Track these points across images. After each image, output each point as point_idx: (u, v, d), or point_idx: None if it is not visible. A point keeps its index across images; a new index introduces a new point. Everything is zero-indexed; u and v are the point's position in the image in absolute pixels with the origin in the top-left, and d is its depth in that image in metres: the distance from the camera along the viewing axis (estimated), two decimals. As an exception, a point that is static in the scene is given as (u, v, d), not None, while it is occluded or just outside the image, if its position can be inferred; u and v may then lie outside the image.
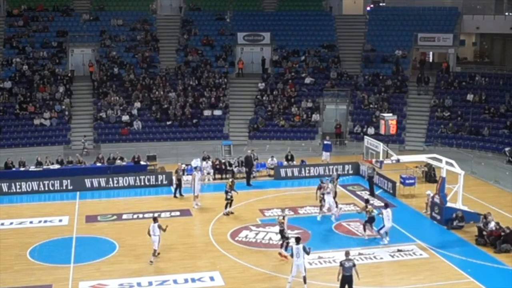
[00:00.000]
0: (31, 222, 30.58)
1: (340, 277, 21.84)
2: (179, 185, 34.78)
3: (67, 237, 28.51)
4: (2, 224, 30.41)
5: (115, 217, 31.59)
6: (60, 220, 30.82)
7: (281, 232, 26.45)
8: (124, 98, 49.63)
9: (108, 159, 39.12)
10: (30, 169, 37.49)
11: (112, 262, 25.77)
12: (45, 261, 25.87)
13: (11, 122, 47.10)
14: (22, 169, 37.56)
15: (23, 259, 26.21)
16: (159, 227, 25.53)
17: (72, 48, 53.70)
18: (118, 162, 38.80)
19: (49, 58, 52.57)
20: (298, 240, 23.17)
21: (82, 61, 53.44)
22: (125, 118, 47.93)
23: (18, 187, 35.63)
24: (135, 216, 31.65)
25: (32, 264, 25.77)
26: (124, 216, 31.57)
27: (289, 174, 38.53)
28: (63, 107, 48.54)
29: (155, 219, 26.04)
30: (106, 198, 34.76)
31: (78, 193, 35.20)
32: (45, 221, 30.65)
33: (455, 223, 29.39)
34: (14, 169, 37.59)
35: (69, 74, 51.67)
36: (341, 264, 21.92)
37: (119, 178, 36.52)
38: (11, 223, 30.52)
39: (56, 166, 37.99)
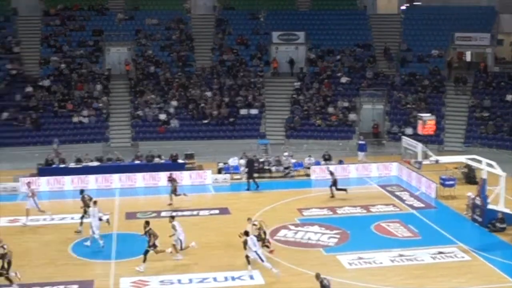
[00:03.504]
0: (72, 218, 30.81)
1: None
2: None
3: (107, 234, 28.70)
4: (44, 219, 30.75)
5: (154, 214, 31.76)
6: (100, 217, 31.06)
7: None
8: (161, 96, 49.97)
9: (147, 157, 39.43)
10: (70, 166, 37.96)
11: (152, 259, 25.80)
12: (87, 257, 26.14)
13: (50, 119, 47.89)
14: (62, 166, 38.07)
15: (66, 254, 26.53)
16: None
17: (108, 47, 54.25)
18: (156, 160, 39.11)
19: (86, 56, 53.13)
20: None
21: (119, 59, 53.86)
22: (162, 116, 48.30)
23: (58, 183, 36.08)
24: (173, 213, 31.67)
25: (74, 259, 26.08)
26: (163, 214, 31.73)
27: (327, 173, 38.37)
28: (101, 105, 49.05)
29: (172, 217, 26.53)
30: (145, 196, 35.00)
31: (117, 190, 35.47)
32: (87, 217, 30.88)
33: (497, 225, 29.04)
34: (54, 165, 38.12)
35: (106, 73, 52.21)
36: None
37: (159, 175, 36.71)
38: (53, 219, 30.81)
39: (96, 163, 38.41)
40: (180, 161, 39.28)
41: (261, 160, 38.93)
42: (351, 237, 28.15)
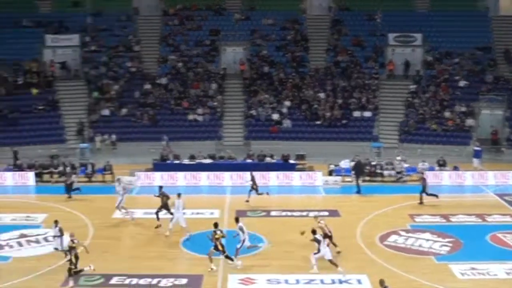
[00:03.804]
0: (183, 213, 31.34)
1: None
2: None
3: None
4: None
5: (264, 213, 32.01)
6: (212, 213, 31.61)
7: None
8: (274, 96, 50.30)
9: (258, 156, 39.81)
10: (183, 162, 38.95)
11: (260, 258, 26.00)
12: (197, 252, 26.45)
13: (166, 116, 49.19)
14: (176, 162, 39.15)
15: (176, 249, 27.12)
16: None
17: (224, 46, 54.96)
18: (267, 159, 39.44)
19: (202, 56, 54.18)
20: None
21: (234, 59, 54.51)
22: (275, 116, 48.60)
23: (172, 179, 37.12)
24: (283, 213, 31.93)
25: (185, 253, 26.61)
26: (273, 213, 31.89)
27: (441, 179, 37.39)
28: (215, 103, 49.97)
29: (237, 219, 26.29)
30: (255, 194, 35.24)
31: (228, 188, 35.96)
32: (197, 213, 31.49)
33: None
34: (169, 161, 39.25)
35: (221, 72, 53.08)
36: None
37: (269, 175, 36.93)
38: (165, 213, 31.52)
39: (208, 161, 39.20)
40: (291, 161, 39.44)
41: (373, 163, 38.46)
42: (464, 246, 27.18)
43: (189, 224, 29.36)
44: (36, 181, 38.16)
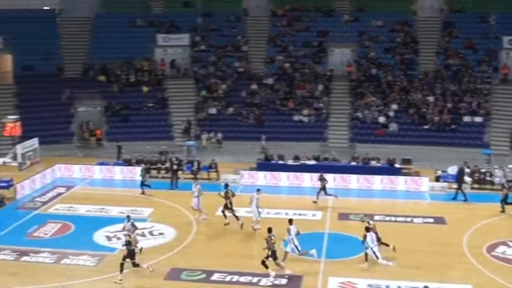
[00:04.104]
0: (286, 214, 31.42)
1: None
2: None
3: (319, 232, 29.01)
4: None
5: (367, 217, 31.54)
6: (314, 215, 31.50)
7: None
8: (381, 99, 49.59)
9: (363, 159, 39.38)
10: (287, 163, 39.07)
11: (362, 261, 25.65)
12: (298, 253, 26.47)
13: (272, 116, 49.52)
14: (280, 162, 39.35)
15: (277, 248, 27.13)
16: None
17: (332, 48, 54.71)
18: (372, 162, 38.92)
19: (309, 57, 54.15)
20: None
21: (341, 60, 54.12)
22: (381, 119, 47.95)
23: (275, 179, 37.33)
24: (387, 218, 31.34)
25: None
26: (376, 217, 31.28)
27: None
28: (321, 105, 49.79)
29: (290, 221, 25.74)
30: (358, 197, 34.87)
31: (331, 190, 35.61)
32: (300, 214, 31.37)
33: None
34: (273, 161, 39.51)
35: (328, 73, 52.84)
36: None
37: (373, 178, 36.47)
38: (268, 213, 31.48)
39: (312, 162, 39.14)
40: (396, 165, 38.74)
41: (482, 170, 37.12)
42: None
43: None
44: (144, 176, 39.25)
